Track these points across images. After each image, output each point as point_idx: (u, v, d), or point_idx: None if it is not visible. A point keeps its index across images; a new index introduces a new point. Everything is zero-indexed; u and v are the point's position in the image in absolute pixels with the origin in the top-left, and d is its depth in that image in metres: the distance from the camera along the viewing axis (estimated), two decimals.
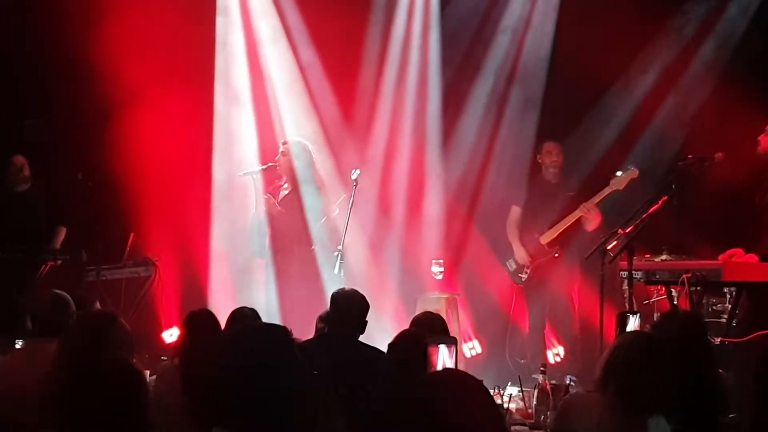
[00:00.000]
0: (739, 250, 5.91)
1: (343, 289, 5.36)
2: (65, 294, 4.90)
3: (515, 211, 8.13)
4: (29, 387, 4.19)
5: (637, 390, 3.50)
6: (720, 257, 5.93)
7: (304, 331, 5.51)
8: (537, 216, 7.93)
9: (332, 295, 5.25)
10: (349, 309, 5.08)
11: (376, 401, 4.16)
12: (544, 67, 8.77)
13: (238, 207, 8.44)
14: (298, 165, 7.78)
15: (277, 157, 7.79)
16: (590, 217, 7.61)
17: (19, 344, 4.78)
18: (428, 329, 4.77)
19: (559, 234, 7.80)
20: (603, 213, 7.54)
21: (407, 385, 2.55)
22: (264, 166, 7.80)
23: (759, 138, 6.19)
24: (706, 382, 3.89)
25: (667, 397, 3.52)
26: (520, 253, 7.97)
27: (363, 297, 5.15)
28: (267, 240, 7.82)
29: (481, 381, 2.42)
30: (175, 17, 8.09)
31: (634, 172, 7.39)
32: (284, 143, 7.90)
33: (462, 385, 2.33)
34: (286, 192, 7.82)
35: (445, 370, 3.83)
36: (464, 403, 2.26)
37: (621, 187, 7.42)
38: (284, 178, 7.83)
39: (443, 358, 4.20)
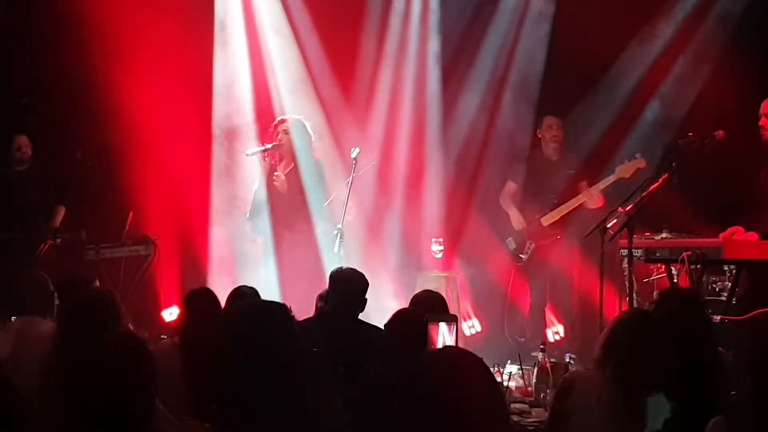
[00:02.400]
0: (740, 228, 5.89)
1: (341, 268, 5.36)
2: (42, 273, 4.97)
3: (510, 186, 8.14)
4: (24, 359, 4.24)
5: (636, 367, 3.50)
6: (720, 235, 5.92)
7: (304, 309, 5.52)
8: (537, 193, 7.93)
9: (331, 274, 5.25)
10: (348, 288, 5.08)
11: (375, 379, 4.17)
12: (544, 45, 8.73)
13: (238, 185, 8.44)
14: (298, 143, 7.77)
15: (279, 136, 7.76)
16: (593, 202, 7.61)
17: (13, 320, 4.84)
18: (428, 308, 4.77)
19: (561, 217, 7.80)
20: (608, 197, 7.52)
21: (408, 363, 2.55)
22: (269, 145, 7.76)
23: (761, 123, 6.16)
24: (706, 360, 3.89)
25: (666, 374, 3.53)
26: (517, 219, 7.97)
27: (362, 275, 5.15)
28: (268, 218, 7.81)
29: (482, 359, 2.42)
30: None
31: (640, 162, 7.35)
32: (283, 121, 7.88)
33: (463, 362, 2.33)
34: (287, 171, 7.80)
35: (446, 347, 3.83)
36: (465, 381, 2.26)
37: (627, 175, 7.38)
38: (284, 156, 7.81)
39: (443, 335, 4.21)
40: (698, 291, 5.61)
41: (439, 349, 3.65)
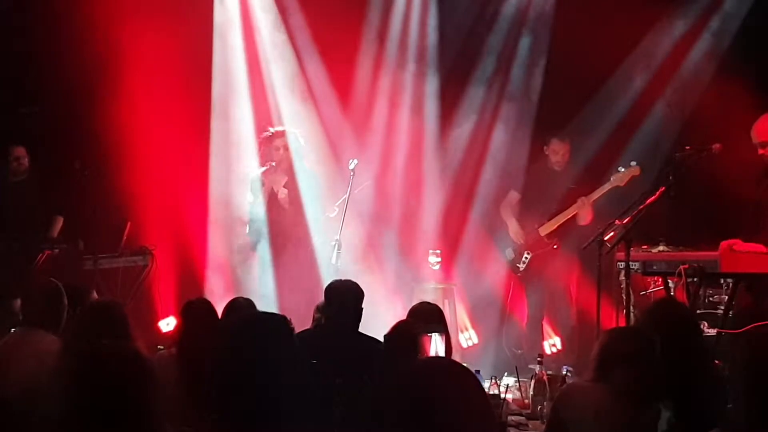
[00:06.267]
0: (738, 241, 5.87)
1: (337, 282, 5.35)
2: (58, 284, 4.91)
3: (513, 196, 8.16)
4: (18, 374, 4.22)
5: (633, 381, 3.50)
6: (721, 244, 5.89)
7: (302, 321, 5.51)
8: (537, 203, 7.93)
9: (326, 289, 5.24)
10: (345, 300, 5.07)
11: (373, 391, 4.17)
12: (543, 56, 8.76)
13: (236, 196, 8.44)
14: (294, 156, 7.79)
15: (279, 152, 7.79)
16: (583, 213, 7.63)
17: (12, 332, 4.80)
18: (425, 320, 4.78)
19: (558, 226, 7.81)
20: (602, 206, 7.54)
21: (395, 374, 2.55)
22: (267, 166, 7.81)
23: (761, 153, 6.18)
24: (701, 372, 3.89)
25: (662, 387, 3.53)
26: (514, 229, 7.98)
27: (356, 286, 5.15)
28: (266, 231, 7.82)
29: (467, 368, 2.42)
30: (172, 6, 8.08)
31: (635, 169, 7.38)
32: (281, 135, 7.88)
33: (448, 372, 2.33)
34: (283, 183, 7.80)
35: (432, 358, 3.85)
36: (451, 390, 2.26)
37: (622, 183, 7.42)
38: (282, 170, 7.82)
39: (435, 347, 4.21)
40: (675, 299, 5.59)
41: (425, 359, 3.65)
